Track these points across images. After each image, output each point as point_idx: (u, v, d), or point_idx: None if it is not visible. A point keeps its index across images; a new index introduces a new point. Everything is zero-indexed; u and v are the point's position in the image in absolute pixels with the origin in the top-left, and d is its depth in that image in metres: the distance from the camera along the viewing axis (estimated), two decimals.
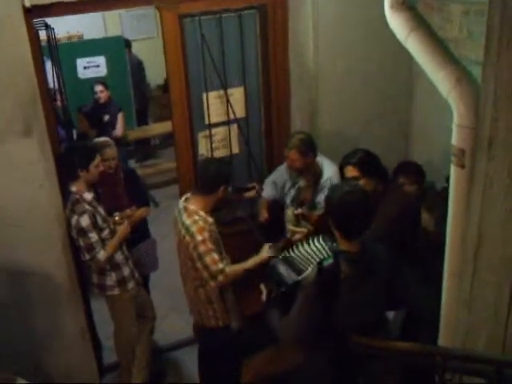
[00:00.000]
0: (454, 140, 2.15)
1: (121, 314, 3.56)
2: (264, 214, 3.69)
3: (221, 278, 2.99)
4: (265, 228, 3.73)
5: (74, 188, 3.27)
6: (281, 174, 3.78)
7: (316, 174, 3.51)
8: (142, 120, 7.70)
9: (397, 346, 2.40)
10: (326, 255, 2.49)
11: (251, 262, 3.09)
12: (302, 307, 2.40)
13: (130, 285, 3.49)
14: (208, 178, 3.06)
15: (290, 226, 3.48)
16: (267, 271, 2.75)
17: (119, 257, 3.42)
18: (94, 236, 3.22)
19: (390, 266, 2.49)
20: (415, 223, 3.14)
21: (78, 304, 3.48)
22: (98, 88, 5.95)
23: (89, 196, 3.29)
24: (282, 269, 2.59)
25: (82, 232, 3.20)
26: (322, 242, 2.60)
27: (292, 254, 2.66)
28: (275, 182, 3.80)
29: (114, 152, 3.68)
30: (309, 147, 3.43)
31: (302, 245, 2.66)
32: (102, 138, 3.86)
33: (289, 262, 2.61)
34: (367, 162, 3.05)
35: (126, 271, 3.46)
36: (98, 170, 3.34)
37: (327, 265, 2.35)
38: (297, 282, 2.49)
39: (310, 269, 2.48)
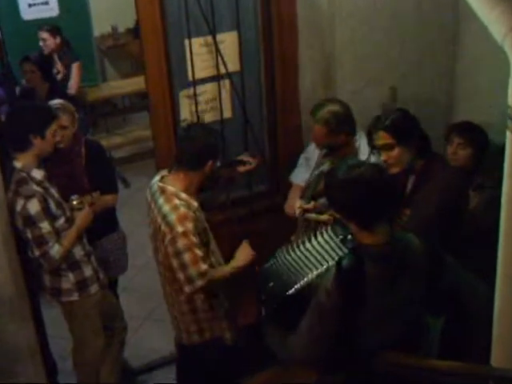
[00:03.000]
0: (511, 99, 2.13)
1: (81, 325, 3.56)
2: (295, 206, 3.52)
3: (200, 282, 2.98)
4: None
5: (19, 163, 3.24)
6: (313, 148, 3.66)
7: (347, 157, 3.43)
8: None
9: (440, 366, 2.41)
10: (338, 251, 2.49)
11: (229, 269, 3.14)
12: (315, 321, 2.39)
13: (93, 288, 3.49)
14: (192, 151, 3.05)
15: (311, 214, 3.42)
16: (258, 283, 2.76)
17: (79, 252, 3.42)
18: (45, 226, 3.20)
19: (428, 260, 2.49)
20: (462, 207, 3.14)
21: (24, 314, 3.47)
22: (43, 35, 5.93)
23: (38, 174, 3.27)
24: (272, 280, 2.61)
25: (31, 221, 3.18)
26: (331, 233, 2.58)
27: (287, 256, 2.64)
28: (307, 159, 3.74)
29: (68, 120, 3.63)
30: (343, 124, 3.34)
31: (303, 242, 2.64)
32: (57, 101, 3.83)
33: (278, 271, 2.62)
34: (403, 126, 3.04)
35: (88, 271, 3.46)
36: (54, 138, 3.32)
37: (347, 264, 2.34)
38: (287, 297, 2.49)
39: (310, 276, 2.48)
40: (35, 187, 3.22)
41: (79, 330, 3.59)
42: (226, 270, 3.15)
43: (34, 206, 3.17)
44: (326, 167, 3.47)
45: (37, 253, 3.24)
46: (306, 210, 3.40)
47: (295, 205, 3.51)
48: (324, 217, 3.27)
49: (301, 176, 3.74)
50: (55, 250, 3.25)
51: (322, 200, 3.36)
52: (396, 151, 3.01)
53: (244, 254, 3.15)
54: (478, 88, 3.93)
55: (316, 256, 2.54)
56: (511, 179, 2.23)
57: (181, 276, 2.99)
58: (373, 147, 3.13)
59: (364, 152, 3.40)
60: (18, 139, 3.24)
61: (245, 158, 3.71)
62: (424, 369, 2.43)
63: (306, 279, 2.48)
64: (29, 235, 3.22)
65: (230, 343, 3.29)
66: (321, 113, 3.35)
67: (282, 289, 2.54)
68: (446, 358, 2.55)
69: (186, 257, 2.96)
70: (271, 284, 2.61)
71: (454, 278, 2.62)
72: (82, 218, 3.41)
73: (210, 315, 3.20)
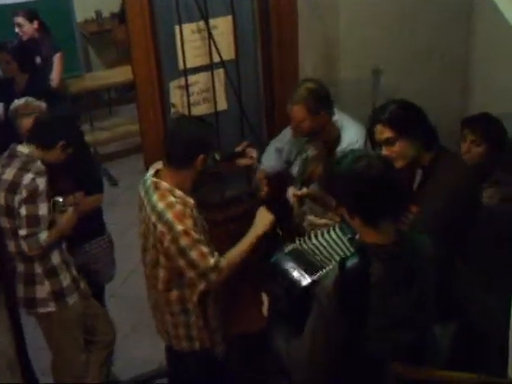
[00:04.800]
0: None
1: (61, 339, 3.59)
2: (263, 187, 3.70)
3: (214, 276, 3.01)
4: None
5: (25, 150, 3.40)
6: (286, 138, 3.77)
7: (331, 140, 3.48)
8: None
9: (459, 378, 2.41)
10: (346, 250, 2.48)
11: (248, 241, 3.12)
12: (318, 326, 2.38)
13: (72, 299, 3.50)
14: (180, 146, 3.04)
15: (309, 217, 3.49)
16: (270, 271, 2.72)
17: (56, 259, 3.44)
18: (44, 208, 3.32)
19: (438, 264, 2.48)
20: (473, 206, 3.13)
21: (1, 323, 3.48)
22: (18, 20, 5.96)
23: (41, 166, 3.40)
24: (291, 266, 2.56)
25: (34, 196, 3.28)
26: (338, 231, 2.58)
27: (304, 245, 2.65)
28: (279, 150, 3.81)
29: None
30: (321, 101, 3.42)
31: (316, 235, 2.65)
32: (22, 101, 3.93)
33: (300, 257, 2.59)
34: (403, 118, 3.02)
35: (66, 280, 3.48)
36: (64, 154, 3.48)
37: (351, 265, 2.33)
38: (312, 283, 2.46)
39: (331, 266, 2.47)
40: (43, 168, 3.37)
41: (58, 343, 3.62)
42: (240, 247, 3.13)
43: (42, 183, 3.31)
44: (310, 152, 3.55)
45: (24, 232, 3.30)
46: (300, 197, 3.45)
47: (289, 193, 3.58)
48: (322, 221, 3.32)
49: (268, 162, 3.78)
50: (44, 236, 3.33)
51: (313, 185, 3.47)
52: (397, 146, 2.98)
53: (263, 219, 3.15)
54: (494, 77, 3.92)
55: (335, 249, 2.54)
56: None
57: (191, 274, 3.01)
58: (373, 143, 3.12)
59: (349, 132, 3.47)
60: (47, 139, 3.46)
61: (241, 150, 3.70)
62: (442, 381, 2.44)
63: (325, 270, 2.47)
64: (23, 212, 3.30)
65: (220, 358, 3.30)
66: (297, 94, 3.42)
67: (304, 274, 2.51)
68: (456, 368, 2.55)
69: (193, 254, 2.97)
70: (291, 265, 2.57)
71: (461, 290, 2.60)
72: (65, 220, 3.48)
73: (201, 323, 3.20)
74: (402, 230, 2.47)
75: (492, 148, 3.52)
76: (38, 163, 3.37)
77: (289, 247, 2.71)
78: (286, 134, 3.78)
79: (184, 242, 2.95)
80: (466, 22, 3.98)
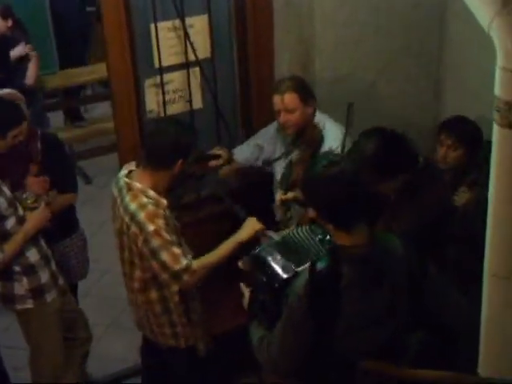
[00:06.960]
0: (498, 89, 2.15)
1: (39, 336, 3.55)
2: (232, 176, 3.74)
3: (186, 277, 3.01)
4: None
5: None
6: (268, 136, 3.76)
7: (314, 142, 3.48)
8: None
9: (428, 376, 2.44)
10: (317, 251, 2.51)
11: (228, 246, 3.12)
12: (286, 327, 2.42)
13: (50, 296, 3.47)
14: (161, 149, 3.04)
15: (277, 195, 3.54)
16: (254, 261, 2.74)
17: (34, 256, 3.39)
18: None
19: (411, 266, 2.51)
20: (448, 210, 3.19)
21: None
22: None
23: None
24: (273, 256, 2.58)
25: None
26: (308, 232, 2.62)
27: (296, 235, 2.66)
28: (259, 146, 3.80)
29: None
30: (308, 91, 3.48)
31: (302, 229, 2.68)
32: (7, 90, 3.83)
33: (284, 246, 2.62)
34: (387, 162, 2.95)
35: (45, 277, 3.44)
36: (14, 142, 3.33)
37: (321, 268, 2.36)
38: (295, 275, 2.48)
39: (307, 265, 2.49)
40: None
41: (36, 341, 3.58)
42: (216, 253, 3.12)
43: None
44: (294, 156, 3.55)
45: None
46: (285, 202, 3.49)
47: (276, 197, 3.57)
48: (291, 195, 3.35)
49: (242, 154, 3.81)
50: None
51: (296, 191, 3.43)
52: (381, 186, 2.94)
53: (250, 226, 3.13)
54: (466, 80, 3.96)
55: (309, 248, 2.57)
56: (500, 172, 2.26)
57: (164, 275, 3.02)
58: None
59: (331, 134, 3.47)
60: None
61: (216, 151, 3.72)
62: (410, 379, 2.47)
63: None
64: None
65: (202, 354, 3.32)
66: (285, 84, 3.45)
67: (288, 264, 2.52)
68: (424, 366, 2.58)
69: (164, 256, 2.97)
70: (274, 255, 2.58)
71: (435, 297, 2.63)
72: (34, 219, 3.37)
73: (184, 320, 3.22)
74: (375, 232, 2.48)
75: (468, 150, 3.54)
76: None
77: (277, 237, 2.74)
78: (269, 132, 3.78)
79: (155, 242, 2.96)
80: (440, 20, 4.01)
